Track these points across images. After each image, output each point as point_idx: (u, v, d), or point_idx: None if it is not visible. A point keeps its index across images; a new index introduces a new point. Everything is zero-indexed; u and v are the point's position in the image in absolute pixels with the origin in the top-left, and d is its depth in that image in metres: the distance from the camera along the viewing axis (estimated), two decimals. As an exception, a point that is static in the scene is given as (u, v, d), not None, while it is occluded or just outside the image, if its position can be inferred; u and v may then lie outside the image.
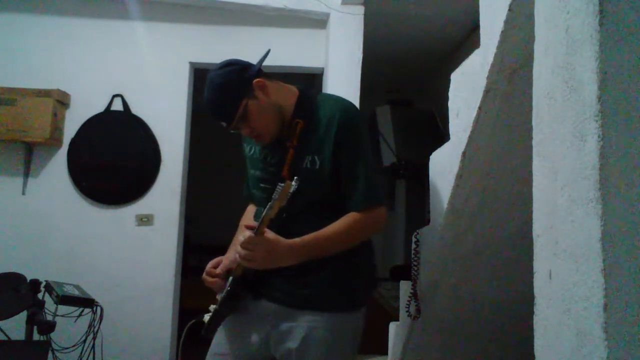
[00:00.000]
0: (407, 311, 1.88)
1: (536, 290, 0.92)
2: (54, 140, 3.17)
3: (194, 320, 1.60)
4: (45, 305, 2.30)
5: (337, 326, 1.51)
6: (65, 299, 2.29)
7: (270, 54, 1.59)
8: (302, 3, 3.28)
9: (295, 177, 1.43)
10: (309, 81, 4.11)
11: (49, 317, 2.33)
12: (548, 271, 0.87)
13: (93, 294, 2.47)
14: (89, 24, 3.35)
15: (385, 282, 3.40)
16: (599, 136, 0.73)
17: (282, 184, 1.37)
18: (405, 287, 1.98)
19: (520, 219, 1.52)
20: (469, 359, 2.04)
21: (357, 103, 2.88)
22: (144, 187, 3.28)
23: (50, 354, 2.28)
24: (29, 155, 3.23)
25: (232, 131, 1.57)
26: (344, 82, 3.12)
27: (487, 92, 1.32)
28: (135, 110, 3.31)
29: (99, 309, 2.42)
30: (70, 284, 2.50)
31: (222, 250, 1.71)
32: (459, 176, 1.51)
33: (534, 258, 0.93)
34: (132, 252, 3.22)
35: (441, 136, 3.75)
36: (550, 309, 0.87)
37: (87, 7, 3.35)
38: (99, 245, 3.21)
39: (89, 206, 3.25)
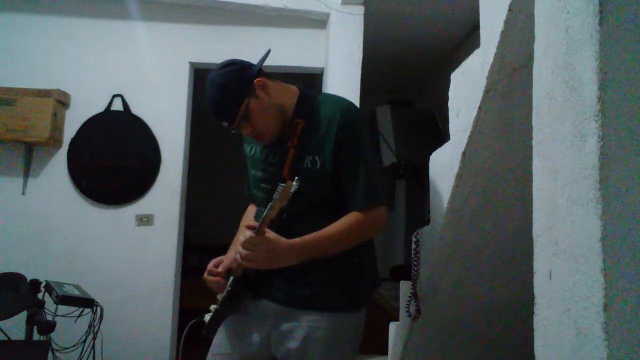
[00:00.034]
0: (407, 311, 1.87)
1: (536, 290, 0.92)
2: (54, 140, 3.17)
3: (194, 320, 1.60)
4: (45, 305, 2.30)
5: (338, 326, 1.51)
6: (65, 299, 2.29)
7: (270, 54, 1.59)
8: (302, 3, 3.28)
9: (296, 177, 1.43)
10: (309, 81, 4.11)
11: (49, 317, 2.33)
12: (548, 271, 0.87)
13: (93, 294, 2.47)
14: (89, 24, 3.35)
15: (385, 282, 3.40)
16: (599, 136, 0.73)
17: (283, 184, 1.37)
18: (405, 287, 1.98)
19: (520, 219, 1.52)
20: (469, 359, 2.04)
21: (357, 103, 2.87)
22: (144, 187, 3.28)
23: (50, 354, 2.28)
24: (29, 155, 3.23)
25: (233, 131, 1.57)
26: (344, 82, 3.12)
27: (487, 92, 1.32)
28: (135, 110, 3.31)
29: (99, 309, 2.42)
30: (70, 284, 2.50)
31: (222, 250, 1.71)
32: (459, 176, 1.51)
33: (534, 258, 0.93)
34: (132, 252, 3.22)
35: (441, 136, 3.76)
36: (550, 309, 0.87)
37: (87, 7, 3.35)
38: (99, 245, 3.21)
39: (89, 206, 3.25)
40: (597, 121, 0.74)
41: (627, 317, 0.71)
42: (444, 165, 1.63)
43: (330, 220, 1.50)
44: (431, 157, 1.80)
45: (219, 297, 1.58)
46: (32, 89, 3.12)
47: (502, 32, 1.20)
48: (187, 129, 3.39)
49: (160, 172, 3.29)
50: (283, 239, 1.45)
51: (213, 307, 1.58)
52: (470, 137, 1.42)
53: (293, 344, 1.49)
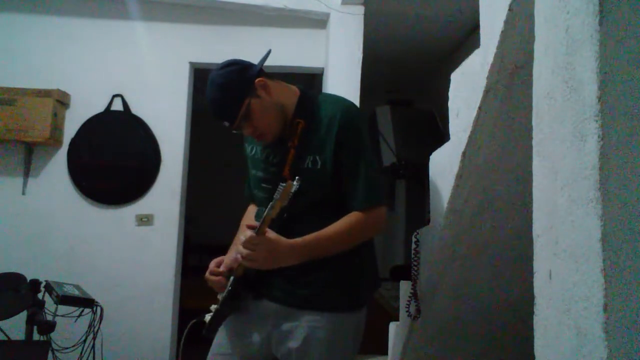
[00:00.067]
0: (407, 311, 1.87)
1: (536, 290, 0.92)
2: (54, 140, 3.17)
3: (195, 320, 1.60)
4: (45, 305, 2.30)
5: (338, 326, 1.51)
6: (65, 299, 2.29)
7: (270, 54, 1.60)
8: (302, 3, 3.28)
9: (297, 177, 1.43)
10: (309, 81, 4.11)
11: (49, 317, 2.33)
12: (548, 271, 0.87)
13: (93, 294, 2.47)
14: (89, 24, 3.35)
15: (385, 282, 3.40)
16: (599, 136, 0.73)
17: (284, 184, 1.37)
18: (405, 287, 1.98)
19: (520, 219, 1.52)
20: (469, 359, 2.04)
21: (357, 103, 2.88)
22: (144, 187, 3.28)
23: (50, 354, 2.28)
24: (29, 155, 3.23)
25: (234, 131, 1.57)
26: (344, 82, 3.12)
27: (487, 92, 1.32)
28: (135, 110, 3.31)
29: (99, 309, 2.42)
30: (70, 284, 2.50)
31: (222, 250, 1.71)
32: (459, 176, 1.51)
33: (534, 258, 0.93)
34: (132, 252, 3.22)
35: (441, 136, 3.76)
36: (550, 309, 0.87)
37: (87, 7, 3.35)
38: (99, 245, 3.21)
39: (89, 206, 3.25)
40: (597, 121, 0.74)
41: (627, 317, 0.71)
42: (444, 165, 1.63)
43: (330, 220, 1.50)
44: (431, 157, 1.80)
45: (220, 297, 1.58)
46: (32, 89, 3.12)
47: (502, 32, 1.20)
48: (187, 129, 3.39)
49: (160, 172, 3.29)
50: (284, 239, 1.45)
51: (213, 307, 1.58)
52: (470, 137, 1.42)
53: (294, 343, 1.49)
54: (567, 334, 0.80)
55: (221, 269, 1.60)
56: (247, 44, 3.30)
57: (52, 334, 2.25)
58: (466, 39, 4.02)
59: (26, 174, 3.23)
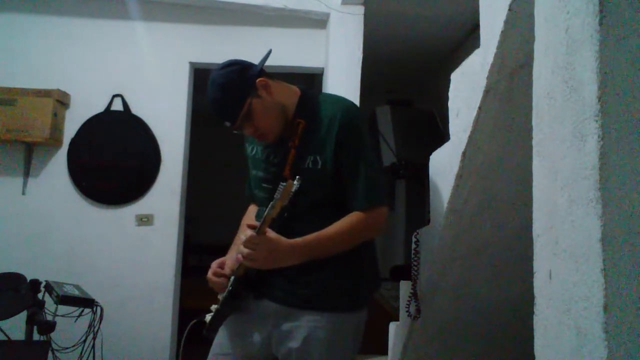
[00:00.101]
0: (407, 311, 1.87)
1: (536, 290, 0.92)
2: (54, 140, 3.17)
3: (195, 320, 1.60)
4: (45, 305, 2.30)
5: (339, 326, 1.51)
6: (65, 299, 2.29)
7: (271, 54, 1.60)
8: (302, 3, 3.28)
9: (297, 177, 1.43)
10: (309, 81, 4.11)
11: (49, 317, 2.33)
12: (548, 271, 0.87)
13: (93, 294, 2.47)
14: (89, 24, 3.35)
15: (385, 282, 3.40)
16: (599, 136, 0.73)
17: (284, 183, 1.37)
18: (405, 287, 1.98)
19: (520, 219, 1.52)
20: (469, 359, 2.04)
21: (357, 103, 2.87)
22: (144, 187, 3.28)
23: (50, 354, 2.28)
24: (29, 155, 3.23)
25: (235, 131, 1.57)
26: (344, 82, 3.12)
27: (487, 92, 1.32)
28: (135, 110, 3.31)
29: (99, 309, 2.42)
30: (70, 284, 2.50)
31: (222, 250, 1.71)
32: (459, 176, 1.51)
33: (534, 258, 0.93)
34: (132, 252, 3.22)
35: (441, 136, 3.76)
36: (550, 309, 0.87)
37: (87, 7, 3.35)
38: (99, 245, 3.21)
39: (89, 206, 3.25)
40: (597, 121, 0.74)
41: (627, 317, 0.71)
42: (444, 165, 1.63)
43: (331, 220, 1.50)
44: (431, 157, 1.80)
45: (220, 296, 1.58)
46: (32, 89, 3.12)
47: (502, 32, 1.20)
48: (187, 129, 3.39)
49: (160, 172, 3.29)
50: (284, 239, 1.45)
51: (214, 307, 1.58)
52: (470, 137, 1.42)
53: (294, 343, 1.49)
54: (567, 334, 0.80)
55: (225, 270, 1.60)
56: (247, 44, 3.30)
57: (52, 334, 2.25)
58: (466, 39, 4.02)
59: (26, 174, 3.23)
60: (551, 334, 0.86)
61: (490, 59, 1.27)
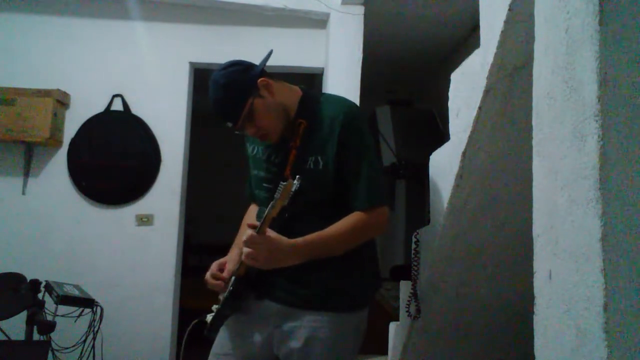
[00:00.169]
0: (407, 311, 1.87)
1: (536, 290, 0.92)
2: (54, 140, 3.17)
3: (196, 320, 1.60)
4: (45, 305, 2.30)
5: (340, 326, 1.51)
6: (65, 299, 2.29)
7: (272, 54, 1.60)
8: (302, 3, 3.28)
9: (297, 176, 1.43)
10: (309, 81, 4.11)
11: (49, 317, 2.33)
12: (548, 271, 0.87)
13: (93, 294, 2.47)
14: (89, 24, 3.35)
15: (385, 282, 3.40)
16: (599, 136, 0.73)
17: (284, 183, 1.37)
18: (405, 287, 1.98)
19: (520, 219, 1.52)
20: (469, 359, 2.04)
21: (357, 103, 2.87)
22: (144, 187, 3.28)
23: (50, 354, 2.28)
24: (29, 155, 3.23)
25: (237, 132, 1.56)
26: (344, 82, 3.12)
27: (487, 92, 1.32)
28: (135, 110, 3.31)
29: (99, 309, 2.42)
30: (70, 284, 2.50)
31: (222, 250, 1.71)
32: (459, 176, 1.51)
33: (534, 258, 0.93)
34: (132, 252, 3.22)
35: (441, 136, 3.76)
36: (550, 309, 0.87)
37: (87, 7, 3.35)
38: (99, 245, 3.21)
39: (89, 206, 3.25)
40: (597, 121, 0.74)
41: (627, 317, 0.71)
42: (444, 165, 1.63)
43: (332, 220, 1.49)
44: (431, 157, 1.80)
45: (221, 296, 1.58)
46: (32, 89, 3.12)
47: (502, 32, 1.20)
48: (187, 129, 3.39)
49: (160, 172, 3.29)
50: (285, 239, 1.45)
51: (215, 307, 1.58)
52: (470, 137, 1.42)
53: (295, 343, 1.49)
54: (567, 334, 0.80)
55: (225, 273, 1.59)
56: (247, 44, 3.30)
57: (52, 334, 2.25)
58: (466, 39, 4.02)
59: (26, 174, 3.23)
60: (551, 334, 0.86)
61: (490, 59, 1.27)
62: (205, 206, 5.32)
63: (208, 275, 1.59)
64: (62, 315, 2.37)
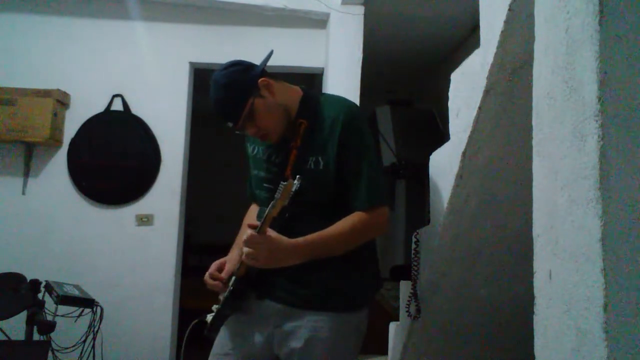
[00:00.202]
0: (407, 311, 1.87)
1: (536, 290, 0.92)
2: (54, 140, 3.17)
3: (196, 320, 1.60)
4: (45, 305, 2.30)
5: (341, 326, 1.51)
6: (65, 299, 2.29)
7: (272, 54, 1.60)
8: (302, 3, 3.28)
9: (297, 176, 1.43)
10: (309, 81, 4.11)
11: (49, 317, 2.33)
12: (548, 271, 0.87)
13: (93, 294, 2.47)
14: (89, 24, 3.35)
15: (385, 282, 3.40)
16: (599, 136, 0.73)
17: (285, 183, 1.37)
18: (405, 287, 1.98)
19: (520, 219, 1.51)
20: (469, 359, 2.04)
21: (357, 103, 2.87)
22: (144, 187, 3.28)
23: (50, 354, 2.28)
24: (29, 155, 3.23)
25: (237, 132, 1.57)
26: (344, 82, 3.12)
27: (487, 92, 1.32)
28: (135, 110, 3.31)
29: (99, 309, 2.42)
30: (70, 284, 2.50)
31: (222, 250, 1.71)
32: (459, 176, 1.51)
33: (534, 258, 0.93)
34: (132, 252, 3.22)
35: (441, 136, 3.75)
36: (550, 309, 0.87)
37: (87, 7, 3.35)
38: (99, 245, 3.21)
39: (89, 206, 3.25)
40: (597, 121, 0.74)
41: (627, 317, 0.71)
42: (444, 165, 1.63)
43: (332, 220, 1.50)
44: (431, 157, 1.80)
45: (221, 296, 1.58)
46: (32, 89, 3.12)
47: (502, 32, 1.20)
48: (187, 129, 3.39)
49: (160, 172, 3.29)
50: (285, 238, 1.45)
51: (215, 307, 1.58)
52: (470, 137, 1.42)
53: (296, 343, 1.49)
54: (567, 334, 0.80)
55: (224, 273, 1.59)
56: (247, 44, 3.30)
57: (52, 334, 2.25)
58: (466, 39, 4.02)
59: (26, 174, 3.23)
60: (551, 334, 0.86)
61: (490, 59, 1.27)
62: (205, 206, 5.32)
63: (206, 275, 1.60)
64: (62, 315, 2.37)
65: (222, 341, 1.62)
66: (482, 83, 1.32)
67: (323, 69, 3.37)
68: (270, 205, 1.40)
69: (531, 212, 0.95)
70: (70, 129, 3.27)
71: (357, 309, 1.57)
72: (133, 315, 3.15)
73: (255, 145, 1.68)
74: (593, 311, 0.73)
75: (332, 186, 1.51)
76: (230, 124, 1.53)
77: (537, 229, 0.93)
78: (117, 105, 3.31)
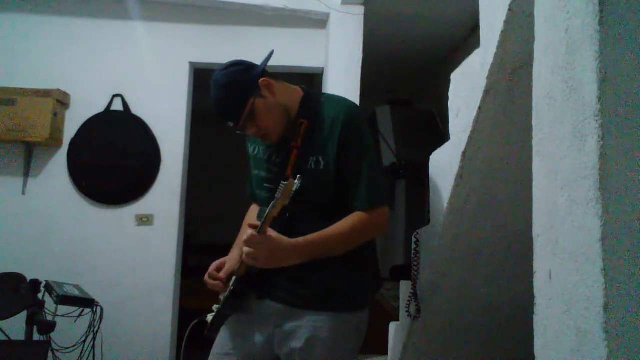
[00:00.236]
0: (407, 311, 1.87)
1: (536, 290, 0.92)
2: (54, 140, 3.17)
3: (196, 320, 1.60)
4: (45, 305, 2.30)
5: (341, 326, 1.51)
6: (65, 299, 2.29)
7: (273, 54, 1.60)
8: (302, 3, 3.28)
9: (298, 175, 1.43)
10: (309, 81, 4.11)
11: (49, 317, 2.33)
12: (548, 271, 0.87)
13: (93, 294, 2.47)
14: (89, 24, 3.35)
15: (385, 282, 3.40)
16: (599, 136, 0.73)
17: (285, 182, 1.37)
18: (405, 287, 1.98)
19: (520, 219, 1.52)
20: (469, 359, 2.04)
21: (357, 103, 2.87)
22: (144, 187, 3.27)
23: (50, 354, 2.28)
24: (29, 155, 3.23)
25: (238, 132, 1.57)
26: (344, 82, 3.12)
27: (487, 92, 1.32)
28: (135, 110, 3.31)
29: (99, 309, 2.42)
30: (70, 284, 2.50)
31: (222, 250, 1.71)
32: (459, 176, 1.51)
33: (534, 258, 0.93)
34: (132, 252, 3.22)
35: (441, 136, 3.75)
36: (550, 309, 0.87)
37: (87, 7, 3.35)
38: (99, 245, 3.21)
39: (89, 206, 3.25)
40: (597, 121, 0.74)
41: (627, 317, 0.71)
42: (444, 165, 1.63)
43: (332, 220, 1.50)
44: (431, 157, 1.80)
45: (222, 296, 1.58)
46: (32, 89, 3.12)
47: (502, 32, 1.20)
48: (187, 129, 3.39)
49: (160, 172, 3.29)
50: (285, 238, 1.45)
51: (215, 306, 1.58)
52: (470, 137, 1.42)
53: (297, 343, 1.49)
54: (567, 334, 0.80)
55: (223, 272, 1.60)
56: (247, 44, 3.30)
57: (52, 334, 2.25)
58: (466, 39, 4.02)
59: (26, 174, 3.23)
60: (551, 334, 0.86)
61: (490, 59, 1.27)
62: (205, 206, 5.32)
63: (206, 276, 1.60)
64: (62, 315, 2.37)
65: (222, 341, 1.62)
66: (482, 83, 1.32)
67: (323, 69, 3.37)
68: (270, 205, 1.40)
69: (531, 212, 0.95)
70: (70, 129, 3.27)
71: (357, 309, 1.57)
72: (133, 315, 3.15)
73: (255, 145, 1.68)
74: (593, 311, 0.73)
75: (333, 186, 1.51)
76: (231, 124, 1.53)
77: (537, 229, 0.93)
78: (117, 105, 3.31)
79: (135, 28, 3.35)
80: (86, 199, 3.25)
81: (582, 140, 0.77)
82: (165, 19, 3.38)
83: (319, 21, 3.35)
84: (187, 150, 3.41)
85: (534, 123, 0.96)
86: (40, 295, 2.31)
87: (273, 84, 1.54)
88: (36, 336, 2.24)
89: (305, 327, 1.49)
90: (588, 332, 0.74)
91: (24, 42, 3.30)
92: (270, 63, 1.58)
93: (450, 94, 1.62)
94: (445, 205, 1.60)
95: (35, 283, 2.30)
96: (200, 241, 5.39)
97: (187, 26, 3.39)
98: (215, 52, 3.29)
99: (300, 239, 1.46)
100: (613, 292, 0.71)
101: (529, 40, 1.01)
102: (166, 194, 3.28)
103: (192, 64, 3.39)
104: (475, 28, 3.18)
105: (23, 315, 2.23)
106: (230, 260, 1.63)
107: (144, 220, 3.25)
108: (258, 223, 1.45)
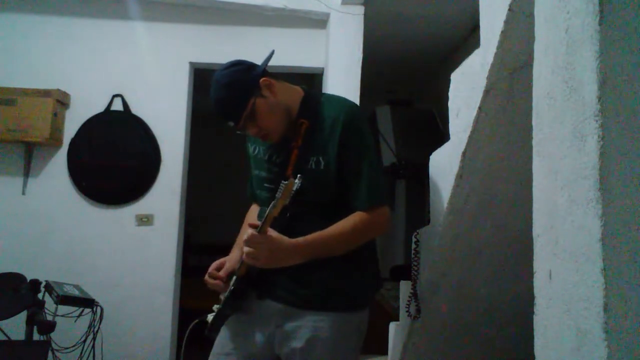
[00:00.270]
0: (407, 311, 1.87)
1: (536, 290, 0.92)
2: (54, 140, 3.17)
3: (197, 320, 1.60)
4: (45, 305, 2.30)
5: (342, 326, 1.51)
6: (65, 299, 2.29)
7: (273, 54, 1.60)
8: (302, 3, 3.28)
9: (299, 175, 1.43)
10: (309, 81, 4.11)
11: (49, 317, 2.33)
12: (548, 271, 0.87)
13: (93, 294, 2.47)
14: (89, 24, 3.35)
15: (385, 282, 3.40)
16: (599, 136, 0.73)
17: (286, 182, 1.37)
18: (405, 287, 1.98)
19: (520, 219, 1.52)
20: (469, 359, 2.04)
21: (357, 103, 2.87)
22: (144, 187, 3.28)
23: (50, 354, 2.28)
24: (29, 155, 3.23)
25: (238, 131, 1.57)
26: (344, 82, 3.12)
27: (487, 92, 1.32)
28: (135, 110, 3.31)
29: (99, 309, 2.42)
30: (70, 284, 2.50)
31: (222, 250, 1.71)
32: (459, 176, 1.51)
33: (534, 258, 0.93)
34: (132, 252, 3.22)
35: (441, 136, 3.76)
36: (550, 309, 0.87)
37: (87, 7, 3.35)
38: (99, 245, 3.21)
39: (89, 206, 3.25)
40: (597, 121, 0.74)
41: (627, 317, 0.71)
42: (444, 165, 1.63)
43: (333, 220, 1.50)
44: (431, 157, 1.80)
45: (222, 296, 1.58)
46: (32, 89, 3.12)
47: (502, 32, 1.20)
48: (187, 129, 3.39)
49: (160, 172, 3.29)
50: (286, 238, 1.45)
51: (216, 306, 1.58)
52: (470, 137, 1.42)
53: (297, 343, 1.49)
54: (567, 334, 0.80)
55: (223, 272, 1.60)
56: (247, 44, 3.30)
57: (52, 334, 2.25)
58: (466, 39, 4.02)
59: (26, 174, 3.23)
60: (551, 334, 0.86)
61: (490, 59, 1.27)
62: (205, 206, 5.32)
63: (206, 276, 1.60)
64: (62, 315, 2.38)
65: (222, 341, 1.62)
66: (482, 83, 1.32)
67: (323, 69, 3.37)
68: (271, 205, 1.40)
69: (531, 212, 0.95)
70: (70, 129, 3.27)
71: (357, 308, 1.57)
72: (133, 315, 3.15)
73: (256, 145, 1.68)
74: (593, 311, 0.73)
75: (333, 186, 1.51)
76: (231, 124, 1.53)
77: (537, 229, 0.93)
78: (117, 105, 3.31)
79: (135, 28, 3.35)
80: (86, 199, 3.25)
81: (582, 140, 0.77)
82: (165, 19, 3.38)
83: (319, 21, 3.36)
84: (187, 150, 3.41)
85: (534, 123, 0.96)
86: (40, 295, 2.31)
87: (274, 83, 1.54)
88: (36, 336, 2.24)
89: (306, 327, 1.49)
90: (588, 332, 0.74)
91: (24, 42, 3.30)
92: (270, 63, 1.58)
93: (450, 94, 1.62)
94: (445, 205, 1.60)
95: (35, 283, 2.30)
96: (200, 241, 5.39)
97: (187, 26, 3.39)
98: (215, 52, 3.29)
99: (301, 239, 1.46)
100: (613, 292, 0.71)
101: (529, 40, 1.01)
102: (166, 194, 3.28)
103: (192, 64, 3.39)
104: (475, 28, 3.18)
105: (23, 315, 2.23)
106: (231, 260, 1.63)
107: (144, 220, 3.25)
108: (258, 223, 1.45)
